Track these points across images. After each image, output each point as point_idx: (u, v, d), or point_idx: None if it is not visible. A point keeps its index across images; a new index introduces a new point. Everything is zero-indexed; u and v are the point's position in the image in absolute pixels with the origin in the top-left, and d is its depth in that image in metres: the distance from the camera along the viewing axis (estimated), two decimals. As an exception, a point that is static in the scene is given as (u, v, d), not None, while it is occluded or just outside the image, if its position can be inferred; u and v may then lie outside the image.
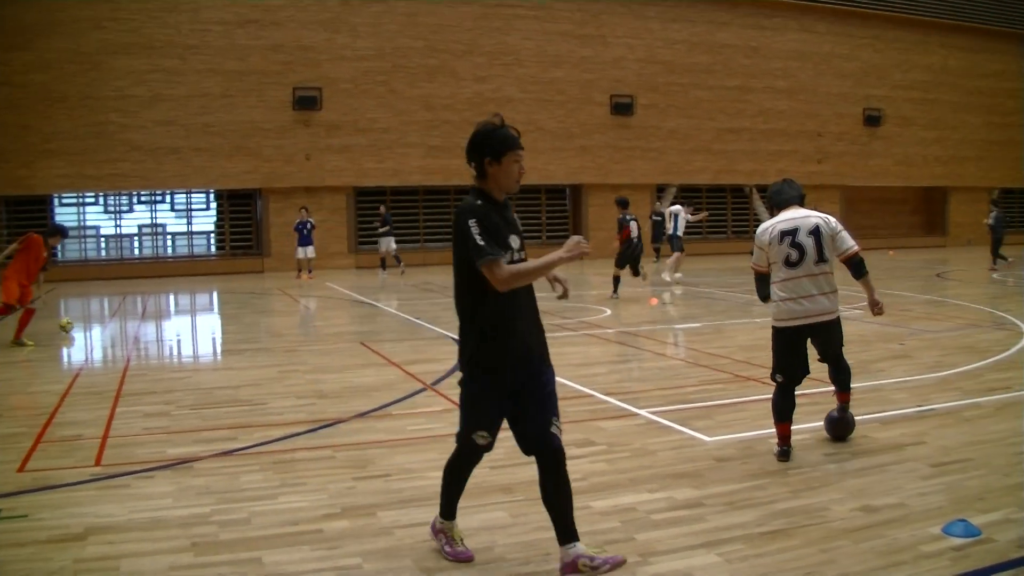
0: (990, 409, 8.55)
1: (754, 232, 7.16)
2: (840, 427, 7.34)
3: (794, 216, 7.05)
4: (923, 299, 18.37)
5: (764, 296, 7.38)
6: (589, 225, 36.73)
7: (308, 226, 28.28)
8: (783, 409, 7.04)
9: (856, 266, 7.10)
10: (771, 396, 7.21)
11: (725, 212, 40.73)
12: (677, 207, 23.98)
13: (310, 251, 28.29)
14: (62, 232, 15.95)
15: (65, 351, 14.32)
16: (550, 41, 35.47)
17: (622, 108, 36.54)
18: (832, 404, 7.58)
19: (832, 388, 7.50)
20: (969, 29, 43.41)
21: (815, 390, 9.45)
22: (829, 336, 7.17)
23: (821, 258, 6.92)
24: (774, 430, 7.11)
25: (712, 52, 38.30)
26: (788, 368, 7.10)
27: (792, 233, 6.93)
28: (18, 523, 5.78)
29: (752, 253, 7.33)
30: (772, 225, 7.10)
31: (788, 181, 7.40)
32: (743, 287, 22.63)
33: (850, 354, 11.81)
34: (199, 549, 5.30)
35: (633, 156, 37.05)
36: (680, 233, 23.23)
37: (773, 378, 7.18)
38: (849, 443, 7.25)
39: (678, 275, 22.63)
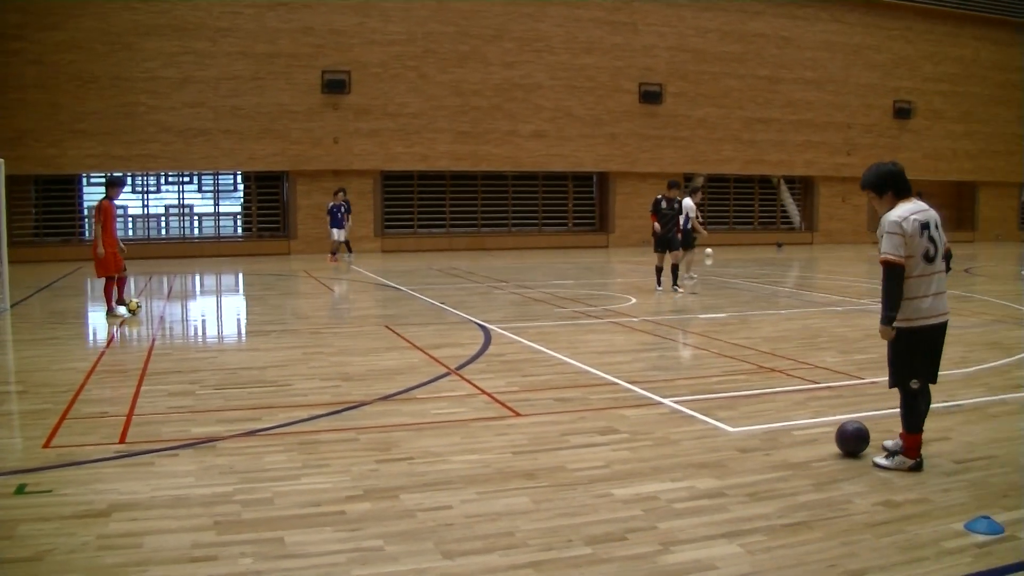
0: (1016, 406, 8.49)
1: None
2: (854, 444, 6.78)
3: (922, 207, 6.47)
4: (951, 294, 18.22)
5: (898, 301, 6.33)
6: (616, 213, 36.71)
7: (343, 209, 28.23)
8: (923, 414, 6.49)
9: (949, 259, 6.66)
10: (902, 406, 6.56)
11: (752, 203, 40.58)
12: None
13: (343, 234, 28.23)
14: (120, 182, 16.21)
15: (91, 329, 14.40)
16: (581, 28, 35.37)
17: (651, 96, 36.41)
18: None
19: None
20: (1001, 22, 42.99)
21: (839, 383, 9.43)
22: (944, 340, 6.59)
23: (942, 255, 6.50)
24: (901, 441, 6.54)
25: (743, 41, 38.11)
26: (925, 369, 6.48)
27: (927, 226, 6.35)
28: (43, 498, 5.82)
29: (883, 242, 6.36)
30: (908, 214, 6.35)
31: (896, 163, 6.67)
32: (768, 278, 22.55)
33: (877, 347, 11.76)
34: (221, 528, 5.32)
35: (662, 144, 36.94)
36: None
37: (906, 385, 6.49)
38: (873, 438, 7.14)
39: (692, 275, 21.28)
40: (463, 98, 33.89)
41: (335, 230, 28.17)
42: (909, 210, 6.36)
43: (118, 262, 15.51)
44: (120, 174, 17.52)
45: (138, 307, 15.63)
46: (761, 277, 22.75)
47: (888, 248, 6.29)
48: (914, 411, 6.45)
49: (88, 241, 14.64)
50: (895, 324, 6.36)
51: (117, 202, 16.49)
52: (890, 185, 6.50)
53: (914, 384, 6.44)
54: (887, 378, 6.66)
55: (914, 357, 6.43)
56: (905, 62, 41.37)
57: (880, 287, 6.46)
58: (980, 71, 42.88)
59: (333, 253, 28.59)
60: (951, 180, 43.01)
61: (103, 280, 15.55)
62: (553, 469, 6.47)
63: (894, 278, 6.28)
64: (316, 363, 10.87)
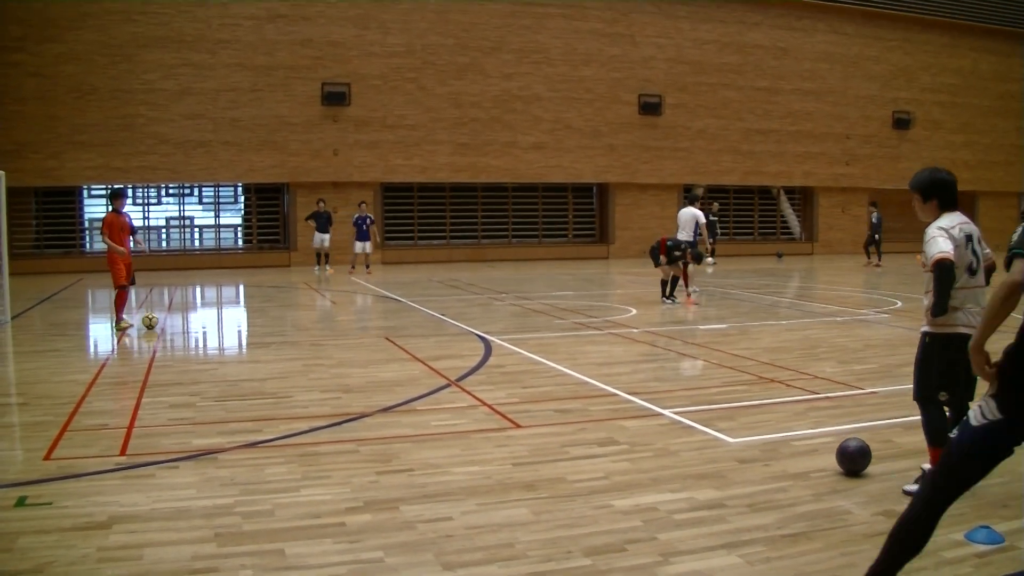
0: (1016, 416, 8.47)
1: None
2: (854, 462, 6.62)
3: (965, 220, 6.26)
4: (950, 304, 18.15)
5: (947, 306, 6.09)
6: (616, 224, 36.71)
7: (368, 221, 28.26)
8: (945, 430, 6.10)
9: (991, 273, 6.38)
10: (922, 418, 6.34)
11: (752, 214, 40.60)
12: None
13: (368, 246, 28.31)
14: (122, 194, 16.08)
15: (93, 341, 14.40)
16: (579, 39, 35.41)
17: (650, 107, 36.44)
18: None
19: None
20: (1000, 32, 43.00)
21: (838, 394, 9.43)
22: None
23: (983, 269, 6.28)
24: (928, 458, 6.36)
25: (742, 52, 38.15)
26: (959, 383, 6.17)
27: (971, 238, 6.18)
28: (43, 510, 5.83)
29: (933, 246, 6.06)
30: (954, 223, 6.16)
31: (949, 171, 6.40)
32: (768, 289, 22.56)
33: (877, 357, 11.82)
34: (222, 540, 5.33)
35: (661, 156, 36.96)
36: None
37: (933, 398, 6.27)
38: (873, 449, 7.12)
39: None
40: (462, 110, 33.92)
41: (359, 243, 28.20)
42: (954, 220, 6.19)
43: (129, 270, 15.54)
44: (120, 186, 17.34)
45: (154, 320, 15.63)
46: (761, 287, 22.76)
47: (937, 249, 6.02)
48: (930, 424, 6.27)
49: (89, 253, 14.69)
50: (930, 331, 6.23)
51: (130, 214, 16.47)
52: (937, 194, 6.27)
53: (941, 396, 6.24)
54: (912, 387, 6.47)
55: (950, 368, 6.12)
56: (904, 73, 41.40)
57: (932, 293, 6.11)
58: (979, 82, 42.90)
59: (353, 265, 28.91)
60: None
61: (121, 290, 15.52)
62: (553, 480, 6.48)
63: (947, 274, 5.99)
64: (316, 375, 10.88)
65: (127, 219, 15.87)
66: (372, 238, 28.49)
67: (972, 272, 6.16)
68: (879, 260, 31.15)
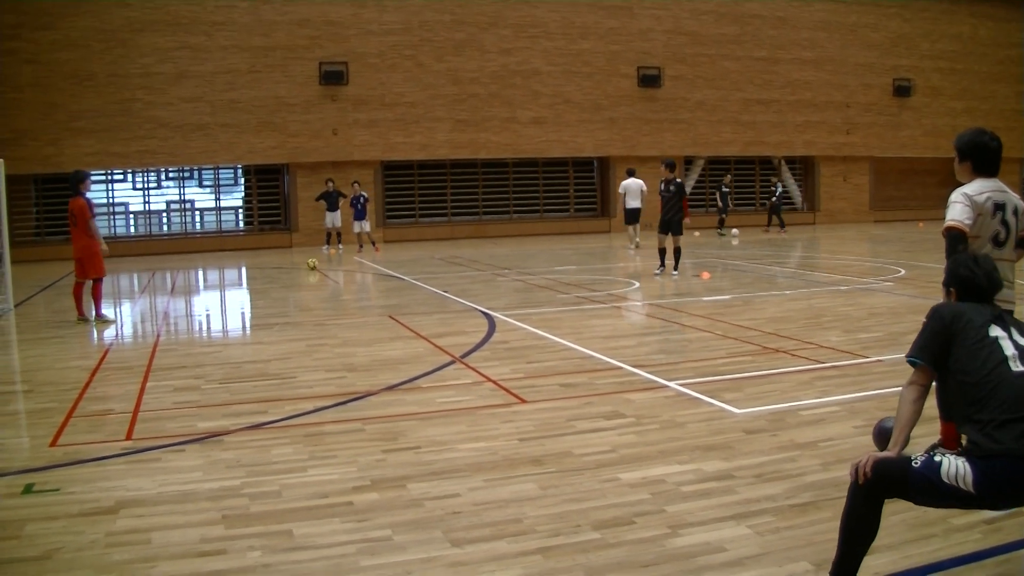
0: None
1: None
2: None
3: (1001, 188, 5.87)
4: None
5: None
6: (617, 198, 36.55)
7: (362, 200, 28.30)
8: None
9: None
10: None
11: (753, 184, 40.50)
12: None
13: (366, 225, 28.38)
14: (84, 175, 14.34)
15: (95, 328, 14.38)
16: (577, 13, 35.25)
17: (649, 80, 36.29)
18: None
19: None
20: (999, -2, 42.86)
21: (844, 363, 9.41)
22: None
23: (1016, 243, 5.88)
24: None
25: (740, 23, 37.96)
26: None
27: (1002, 208, 5.77)
28: (50, 497, 5.83)
29: (950, 211, 5.74)
30: (982, 190, 5.78)
31: (994, 136, 6.08)
32: (770, 259, 22.52)
33: (881, 326, 11.80)
34: (229, 522, 5.32)
35: (661, 128, 36.85)
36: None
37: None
38: (880, 418, 7.08)
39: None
40: (461, 86, 33.81)
41: (356, 222, 28.29)
42: (984, 187, 5.80)
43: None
44: (83, 170, 15.27)
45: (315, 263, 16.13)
46: (763, 258, 22.73)
47: (950, 216, 5.69)
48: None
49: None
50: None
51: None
52: (971, 156, 5.99)
53: None
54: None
55: None
56: (903, 40, 41.19)
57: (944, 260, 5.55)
58: (978, 48, 42.67)
59: (373, 243, 29.18)
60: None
61: (86, 283, 14.50)
62: (560, 455, 6.47)
63: (954, 242, 5.59)
64: (321, 355, 10.87)
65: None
66: (368, 216, 28.56)
67: (998, 243, 5.75)
68: (782, 228, 34.61)
